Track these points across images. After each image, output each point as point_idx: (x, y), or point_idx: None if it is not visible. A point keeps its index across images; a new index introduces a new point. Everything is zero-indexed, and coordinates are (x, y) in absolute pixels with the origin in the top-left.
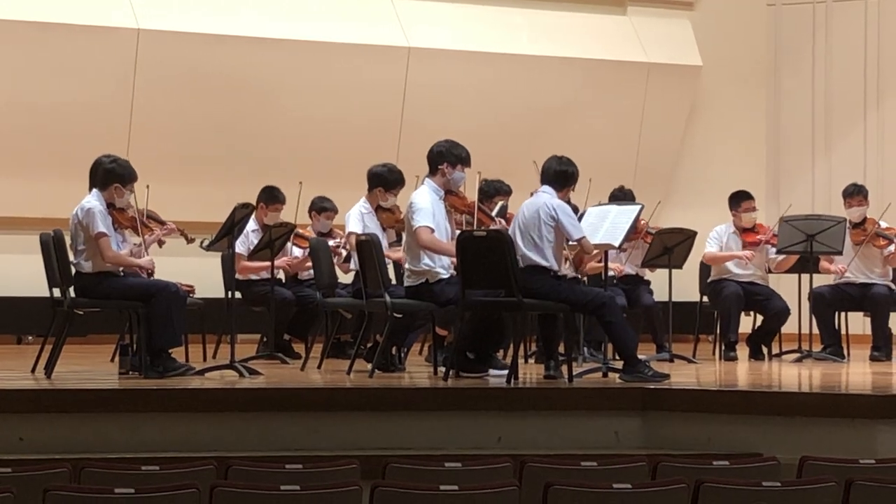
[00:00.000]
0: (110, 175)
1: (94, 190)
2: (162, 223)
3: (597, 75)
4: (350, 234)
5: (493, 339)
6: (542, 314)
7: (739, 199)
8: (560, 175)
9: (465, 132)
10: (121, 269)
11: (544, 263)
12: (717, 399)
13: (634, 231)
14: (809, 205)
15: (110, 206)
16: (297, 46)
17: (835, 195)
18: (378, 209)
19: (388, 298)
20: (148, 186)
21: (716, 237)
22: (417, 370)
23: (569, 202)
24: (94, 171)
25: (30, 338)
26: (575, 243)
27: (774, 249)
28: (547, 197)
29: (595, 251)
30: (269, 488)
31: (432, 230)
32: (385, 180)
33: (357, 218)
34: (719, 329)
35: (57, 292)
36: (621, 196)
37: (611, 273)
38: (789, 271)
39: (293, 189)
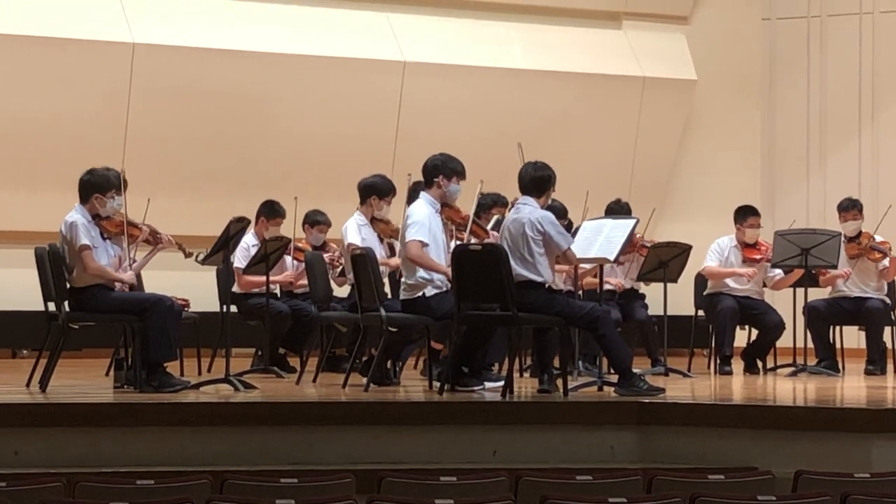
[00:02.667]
0: (87, 187)
1: (77, 204)
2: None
3: (592, 89)
4: (350, 244)
5: (486, 351)
6: (536, 328)
7: (746, 214)
8: (537, 181)
9: (461, 146)
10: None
11: (538, 279)
12: (712, 413)
13: (630, 245)
14: (804, 218)
15: (96, 216)
16: (293, 60)
17: (830, 209)
18: (373, 220)
19: (383, 312)
20: (149, 200)
21: (717, 250)
22: (412, 384)
23: (564, 209)
24: None
25: (24, 352)
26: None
27: (771, 266)
28: (530, 209)
29: (586, 264)
30: (265, 503)
31: (425, 244)
32: (378, 189)
33: (354, 230)
34: (714, 343)
35: (52, 306)
36: (618, 209)
37: (611, 288)
38: None
39: (290, 203)
